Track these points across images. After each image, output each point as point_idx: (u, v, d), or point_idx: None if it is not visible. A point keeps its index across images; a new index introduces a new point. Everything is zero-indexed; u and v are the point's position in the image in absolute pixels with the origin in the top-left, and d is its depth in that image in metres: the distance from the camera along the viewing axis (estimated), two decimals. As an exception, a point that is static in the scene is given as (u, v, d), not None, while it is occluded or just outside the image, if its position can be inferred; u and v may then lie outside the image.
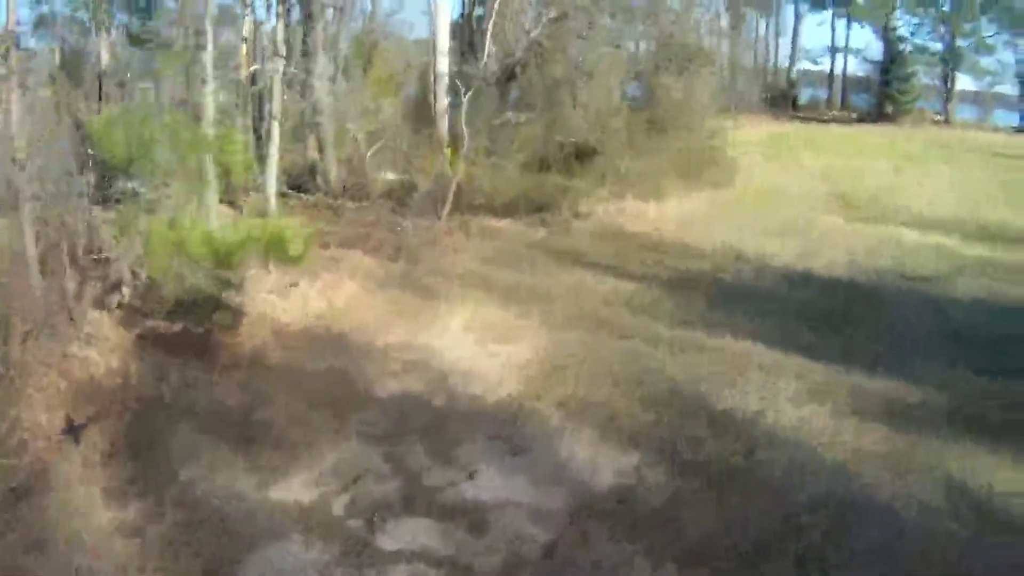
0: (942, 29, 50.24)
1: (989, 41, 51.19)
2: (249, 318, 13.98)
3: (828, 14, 54.50)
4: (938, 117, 52.12)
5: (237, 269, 14.13)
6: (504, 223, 20.45)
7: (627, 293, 16.07)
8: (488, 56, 23.70)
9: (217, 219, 15.45)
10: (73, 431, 10.72)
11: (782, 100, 53.48)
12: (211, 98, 15.50)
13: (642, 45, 29.64)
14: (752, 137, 37.93)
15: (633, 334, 14.11)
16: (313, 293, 15.23)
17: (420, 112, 25.82)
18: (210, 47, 15.50)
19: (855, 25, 54.78)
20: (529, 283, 16.50)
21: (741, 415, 11.36)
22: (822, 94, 58.21)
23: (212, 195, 15.39)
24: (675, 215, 21.62)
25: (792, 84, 55.14)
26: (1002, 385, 12.13)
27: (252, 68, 21.40)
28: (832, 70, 56.63)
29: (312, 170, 22.56)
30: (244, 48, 23.99)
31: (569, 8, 23.53)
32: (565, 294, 15.95)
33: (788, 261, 18.27)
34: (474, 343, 13.95)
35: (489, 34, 23.74)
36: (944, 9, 49.80)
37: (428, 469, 10.38)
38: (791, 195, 24.79)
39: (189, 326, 13.26)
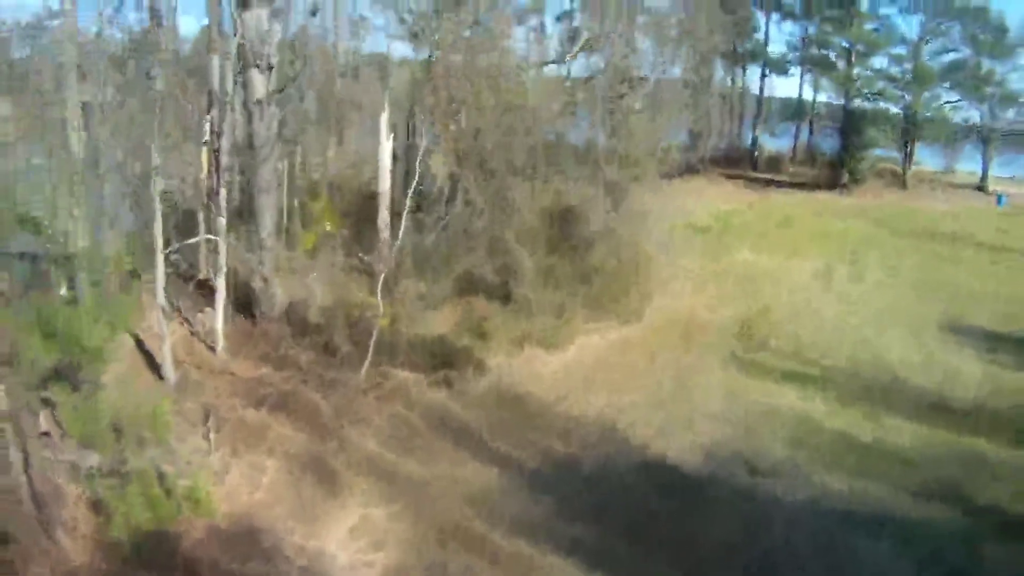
0: (903, 96, 51.39)
1: (948, 108, 52.57)
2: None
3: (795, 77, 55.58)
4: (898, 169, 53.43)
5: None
6: (414, 379, 21.98)
7: (491, 489, 17.65)
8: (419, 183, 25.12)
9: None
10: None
11: (745, 158, 54.92)
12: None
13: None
14: (698, 219, 39.57)
15: (479, 548, 15.74)
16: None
17: (362, 222, 27.39)
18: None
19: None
20: (412, 474, 18.05)
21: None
22: (787, 144, 59.63)
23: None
24: (569, 370, 23.10)
25: (754, 143, 56.45)
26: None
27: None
28: (798, 125, 57.98)
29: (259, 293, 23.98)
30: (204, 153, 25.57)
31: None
32: (438, 491, 17.53)
33: (647, 441, 19.35)
34: (354, 551, 15.70)
35: (418, 162, 25.19)
36: (905, 77, 50.96)
37: None
38: (696, 330, 26.22)
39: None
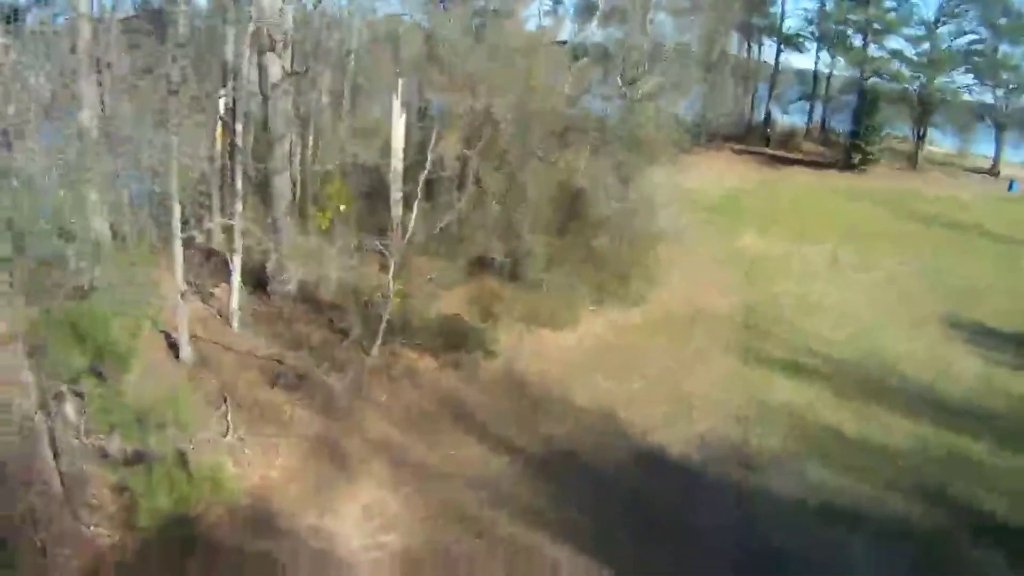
0: (918, 78, 51.38)
1: (962, 92, 52.57)
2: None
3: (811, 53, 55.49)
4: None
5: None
6: (424, 363, 22.79)
7: (496, 474, 18.54)
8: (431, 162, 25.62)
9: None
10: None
11: (758, 133, 55.09)
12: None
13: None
14: (707, 198, 39.99)
15: (483, 531, 16.71)
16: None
17: (375, 203, 28.05)
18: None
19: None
20: (422, 457, 18.89)
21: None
22: (800, 119, 59.71)
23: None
24: (573, 353, 23.90)
25: (768, 118, 56.55)
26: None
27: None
28: (813, 95, 57.96)
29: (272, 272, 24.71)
30: (219, 127, 26.22)
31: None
32: (446, 475, 18.46)
33: (646, 430, 20.27)
34: (367, 533, 16.58)
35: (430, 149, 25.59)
36: (921, 59, 50.92)
37: None
38: (700, 317, 26.96)
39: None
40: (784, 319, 27.40)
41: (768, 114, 56.35)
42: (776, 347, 25.39)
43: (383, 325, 21.83)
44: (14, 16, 19.19)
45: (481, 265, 26.58)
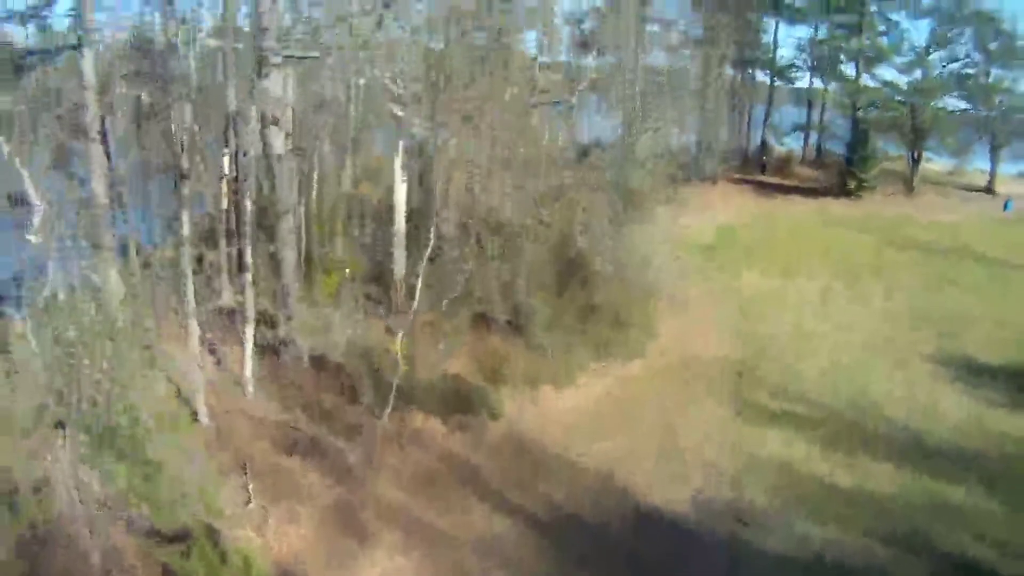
0: (910, 106, 53.21)
1: (955, 116, 54.40)
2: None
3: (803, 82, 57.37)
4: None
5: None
6: (432, 426, 24.47)
7: (501, 538, 20.18)
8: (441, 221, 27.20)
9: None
10: None
11: (752, 162, 56.92)
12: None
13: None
14: (704, 235, 41.88)
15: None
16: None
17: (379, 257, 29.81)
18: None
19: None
20: (432, 523, 20.47)
21: None
22: (796, 142, 61.60)
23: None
24: (574, 413, 25.52)
25: (763, 145, 58.40)
26: None
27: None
28: (808, 125, 59.85)
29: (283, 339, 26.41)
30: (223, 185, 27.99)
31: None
32: (454, 541, 20.11)
33: (644, 490, 21.59)
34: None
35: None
36: (913, 87, 52.77)
37: None
38: (695, 370, 28.65)
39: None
40: (776, 363, 29.06)
41: (764, 141, 57.94)
42: (768, 395, 27.05)
43: (392, 392, 23.39)
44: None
45: (484, 321, 28.22)
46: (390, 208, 28.02)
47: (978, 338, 32.71)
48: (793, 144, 60.78)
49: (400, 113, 25.87)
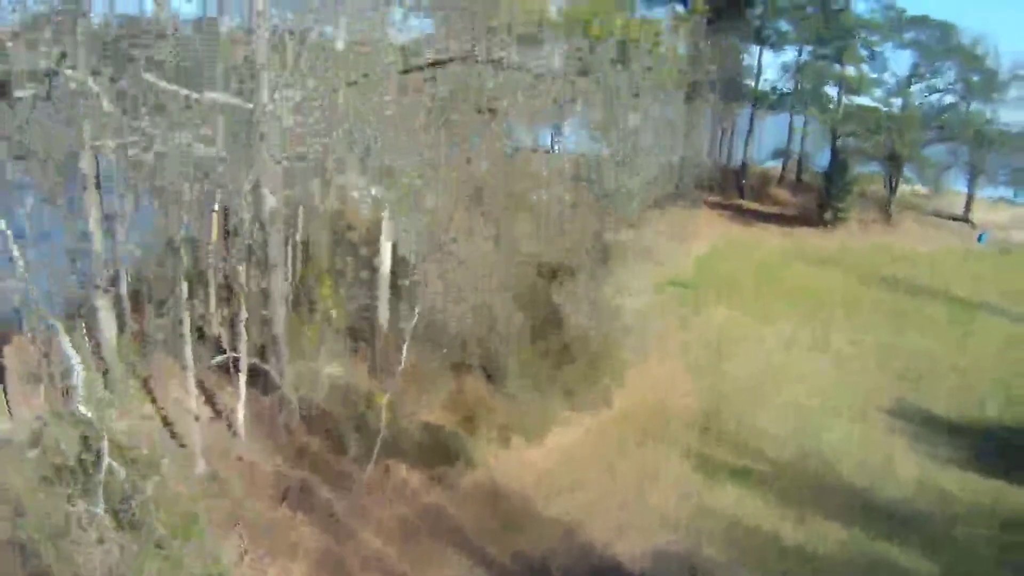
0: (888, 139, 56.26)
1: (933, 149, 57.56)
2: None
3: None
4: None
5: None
6: (414, 477, 27.15)
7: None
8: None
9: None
10: None
11: (731, 185, 59.83)
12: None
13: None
14: (678, 268, 44.82)
15: None
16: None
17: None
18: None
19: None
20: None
21: None
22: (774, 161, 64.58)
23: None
24: (545, 464, 28.36)
25: (743, 168, 61.31)
26: None
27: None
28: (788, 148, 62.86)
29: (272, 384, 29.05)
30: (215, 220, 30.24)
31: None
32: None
33: (606, 543, 24.57)
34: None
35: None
36: (891, 119, 55.84)
37: None
38: (661, 420, 31.58)
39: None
40: (737, 416, 31.98)
41: (744, 164, 60.80)
42: (728, 450, 29.96)
43: (377, 445, 26.15)
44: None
45: (462, 365, 31.00)
46: (375, 255, 30.56)
47: (937, 387, 35.89)
48: (772, 163, 63.44)
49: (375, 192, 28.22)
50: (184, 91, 22.52)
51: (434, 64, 27.94)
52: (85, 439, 17.74)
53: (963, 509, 27.61)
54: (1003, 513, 27.22)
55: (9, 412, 25.74)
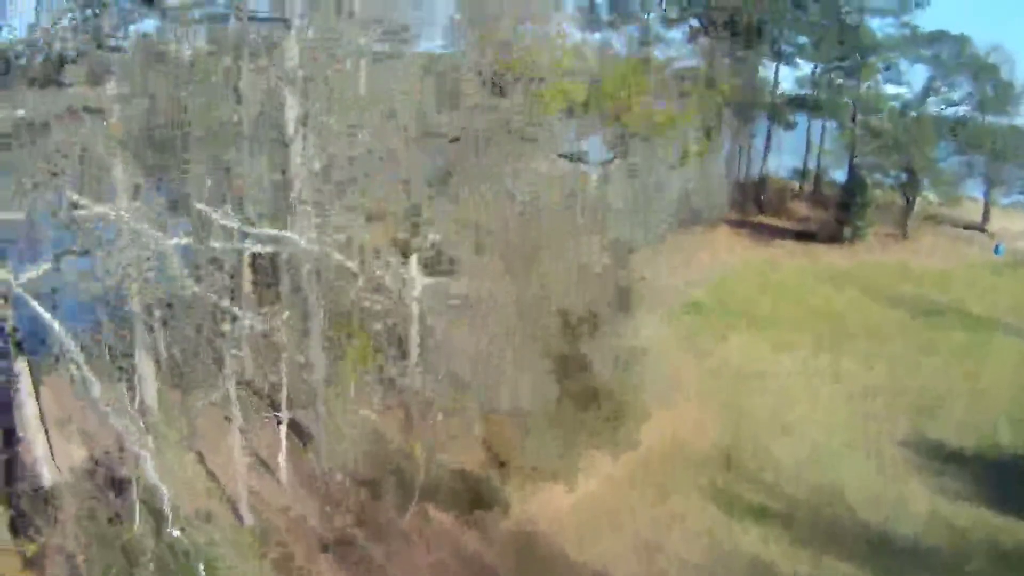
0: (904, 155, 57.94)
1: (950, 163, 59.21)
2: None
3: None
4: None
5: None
6: (449, 522, 29.32)
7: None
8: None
9: None
10: None
11: (750, 199, 61.62)
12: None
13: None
14: (697, 293, 46.83)
15: None
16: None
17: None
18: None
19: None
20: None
21: None
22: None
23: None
24: (573, 510, 30.48)
25: (763, 182, 63.08)
26: None
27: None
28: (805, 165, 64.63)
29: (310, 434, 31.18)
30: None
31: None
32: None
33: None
34: None
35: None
36: (908, 135, 57.51)
37: None
38: (683, 459, 33.72)
39: None
40: (756, 453, 34.03)
41: (763, 178, 62.54)
42: (747, 487, 32.06)
43: (416, 492, 28.35)
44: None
45: (493, 412, 33.10)
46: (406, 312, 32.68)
47: (950, 420, 37.60)
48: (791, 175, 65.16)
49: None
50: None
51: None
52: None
53: (972, 546, 29.48)
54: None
55: (53, 459, 27.66)
